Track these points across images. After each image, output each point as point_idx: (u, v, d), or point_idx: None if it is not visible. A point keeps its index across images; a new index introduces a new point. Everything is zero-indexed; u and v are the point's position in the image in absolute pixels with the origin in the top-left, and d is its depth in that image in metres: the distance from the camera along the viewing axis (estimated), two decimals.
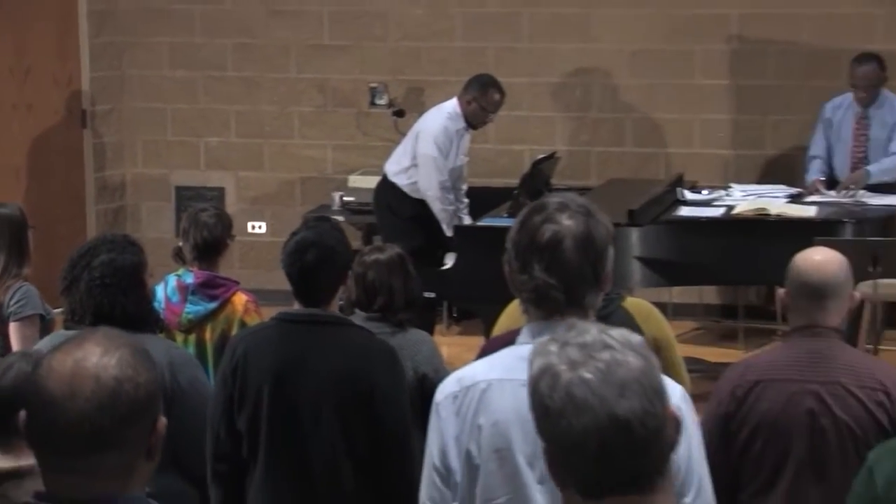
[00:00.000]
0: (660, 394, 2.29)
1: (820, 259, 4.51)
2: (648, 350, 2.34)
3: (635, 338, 2.34)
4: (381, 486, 4.56)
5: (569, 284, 3.29)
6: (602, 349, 2.29)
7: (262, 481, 4.61)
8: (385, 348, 4.68)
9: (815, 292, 4.44)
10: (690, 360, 6.82)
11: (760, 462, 4.39)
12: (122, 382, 2.41)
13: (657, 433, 2.27)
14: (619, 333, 2.33)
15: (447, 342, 9.09)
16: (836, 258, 4.52)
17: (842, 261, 4.51)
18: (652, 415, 2.26)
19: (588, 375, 2.27)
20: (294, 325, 4.68)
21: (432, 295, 8.47)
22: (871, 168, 9.23)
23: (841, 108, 9.54)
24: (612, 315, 4.54)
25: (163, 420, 2.54)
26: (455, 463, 3.33)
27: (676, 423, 2.33)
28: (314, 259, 4.61)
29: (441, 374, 4.84)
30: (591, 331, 2.33)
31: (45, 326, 5.98)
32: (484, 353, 3.70)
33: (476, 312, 9.14)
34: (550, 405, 2.27)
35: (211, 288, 5.95)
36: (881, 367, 4.52)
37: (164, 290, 5.92)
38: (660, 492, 2.30)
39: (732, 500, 4.37)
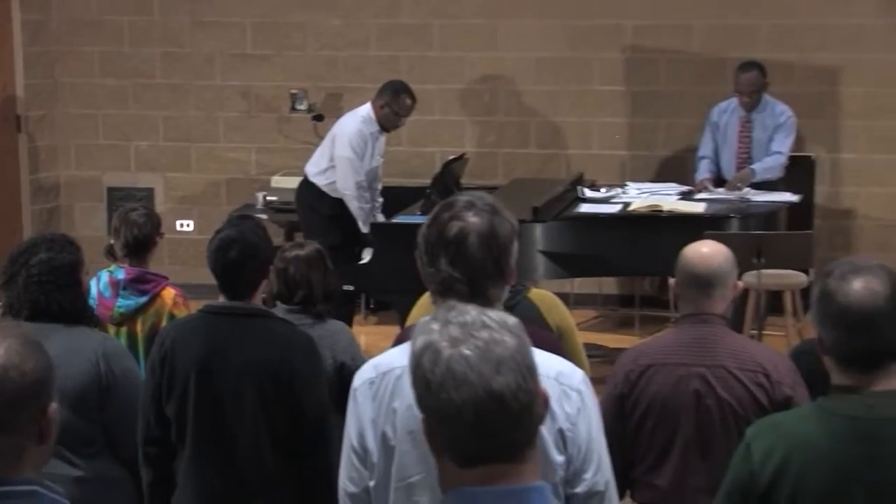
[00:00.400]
0: (532, 371, 2.30)
1: (706, 251, 4.55)
2: (523, 331, 2.35)
3: (511, 319, 2.36)
4: (301, 468, 4.55)
5: (472, 277, 3.29)
6: (481, 328, 2.30)
7: (189, 464, 4.58)
8: (304, 338, 4.68)
9: (702, 282, 4.48)
10: (591, 347, 6.87)
11: (652, 439, 4.43)
12: (8, 370, 2.39)
13: (529, 407, 2.28)
14: (496, 314, 2.35)
15: (365, 331, 9.09)
16: (721, 250, 4.56)
17: (726, 253, 4.56)
18: (524, 390, 2.27)
19: (467, 352, 2.27)
20: (218, 316, 4.66)
21: (351, 288, 8.47)
22: (756, 167, 9.34)
23: (726, 112, 9.64)
24: (518, 306, 4.56)
25: (53, 406, 2.50)
26: (372, 444, 3.32)
27: (545, 400, 2.34)
28: (237, 255, 4.58)
29: (358, 361, 4.83)
30: (471, 311, 2.34)
31: None
32: (399, 341, 3.68)
33: (391, 303, 9.12)
34: (432, 379, 2.28)
35: (141, 283, 5.90)
36: (762, 351, 4.58)
37: (97, 286, 5.86)
38: (529, 461, 2.31)
39: (627, 475, 4.41)
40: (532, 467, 2.33)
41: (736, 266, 4.57)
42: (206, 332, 4.63)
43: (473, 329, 2.31)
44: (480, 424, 2.26)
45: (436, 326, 2.33)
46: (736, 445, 4.24)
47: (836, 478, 3.17)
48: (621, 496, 3.80)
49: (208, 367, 4.53)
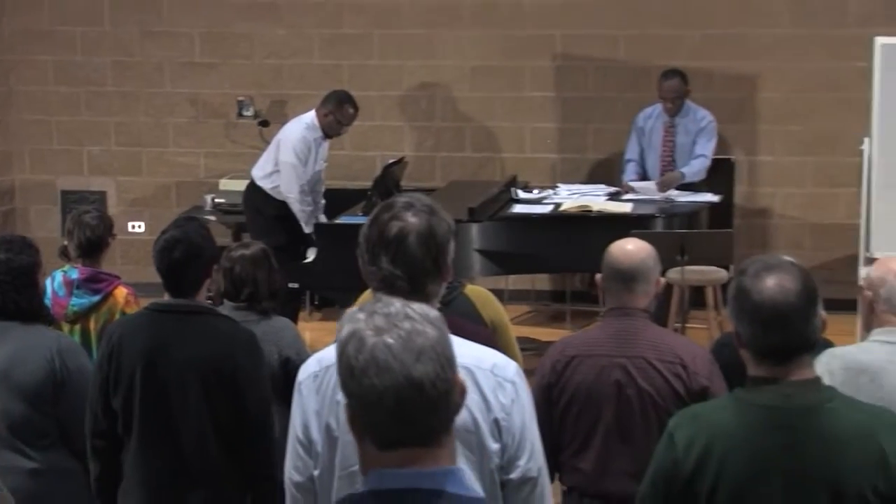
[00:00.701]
0: (451, 361, 2.32)
1: (630, 248, 4.57)
2: (444, 323, 2.36)
3: (433, 312, 2.37)
4: (244, 459, 4.53)
5: (412, 275, 3.30)
6: (404, 319, 2.31)
7: (135, 455, 4.55)
8: (246, 334, 4.65)
9: (625, 277, 4.50)
10: (524, 340, 6.90)
11: (576, 426, 4.45)
12: None
13: (446, 395, 2.29)
14: (419, 307, 2.36)
15: (309, 327, 9.08)
16: (644, 247, 4.58)
17: (649, 249, 4.58)
18: (443, 379, 2.28)
19: (390, 341, 2.28)
20: (163, 314, 4.64)
21: (296, 285, 8.47)
22: (685, 171, 9.39)
23: (651, 117, 9.69)
24: (455, 301, 4.57)
25: None
26: (316, 435, 3.32)
27: (462, 390, 2.35)
28: (181, 255, 4.56)
29: (303, 356, 4.82)
30: (396, 303, 2.35)
31: None
32: None
33: (335, 300, 9.15)
34: (356, 365, 2.28)
35: (94, 282, 5.86)
36: (681, 342, 4.61)
37: (52, 285, 5.81)
38: (445, 446, 2.33)
39: (555, 459, 4.42)
40: (448, 452, 2.34)
41: (659, 262, 4.59)
42: (151, 328, 4.60)
43: (397, 320, 2.31)
44: (400, 410, 2.27)
45: (362, 316, 2.33)
46: (654, 434, 4.27)
47: (755, 465, 3.19)
48: (550, 480, 3.83)
49: (153, 361, 4.50)
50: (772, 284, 3.20)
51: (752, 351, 3.27)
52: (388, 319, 2.32)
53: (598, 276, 4.59)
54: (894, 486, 3.16)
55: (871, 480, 3.15)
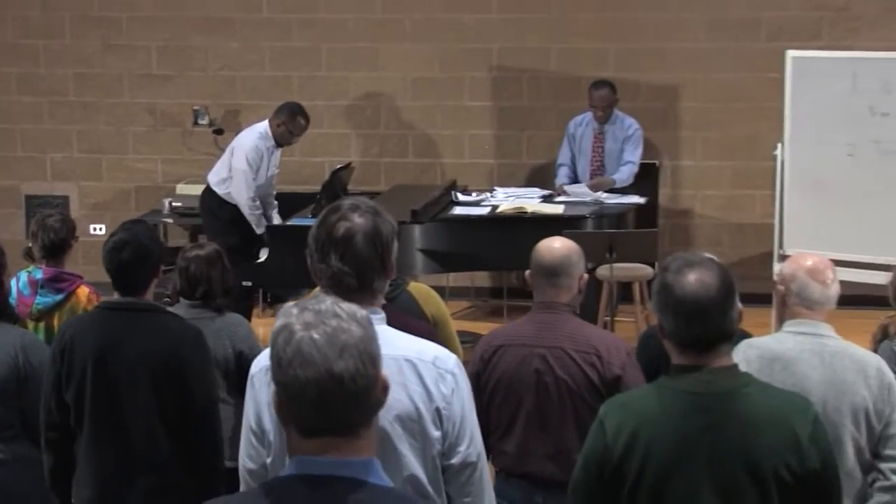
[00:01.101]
0: (373, 359, 2.32)
1: (555, 246, 4.59)
2: (370, 323, 2.36)
3: (361, 312, 2.37)
4: (191, 448, 4.50)
5: (359, 271, 3.30)
6: (332, 317, 2.31)
7: (87, 446, 4.52)
8: (193, 331, 4.61)
9: (549, 272, 4.52)
10: (464, 334, 6.89)
11: (501, 411, 4.46)
12: None
13: (366, 391, 2.30)
14: (348, 307, 2.36)
15: (262, 323, 9.03)
16: (569, 245, 4.60)
17: (573, 247, 4.60)
18: (363, 375, 2.29)
19: (316, 336, 2.29)
20: (113, 312, 4.60)
21: (249, 283, 8.44)
22: (616, 177, 9.42)
23: (582, 125, 9.72)
24: (398, 298, 4.58)
25: None
26: (269, 425, 3.30)
27: (384, 386, 2.36)
28: (129, 256, 4.54)
29: (255, 350, 4.81)
30: (327, 301, 2.35)
31: None
32: None
33: (286, 297, 9.11)
34: (283, 356, 2.29)
35: (58, 282, 5.82)
36: (598, 334, 4.62)
37: (17, 285, 5.77)
38: (364, 439, 2.33)
39: (486, 443, 4.44)
40: (367, 444, 2.34)
41: (583, 259, 4.61)
42: (101, 326, 4.56)
43: (325, 317, 2.32)
44: (321, 401, 2.28)
45: (295, 311, 2.34)
46: (571, 418, 4.33)
47: (679, 447, 3.20)
48: None
49: (103, 357, 4.46)
50: (692, 280, 3.23)
51: (674, 342, 3.29)
52: (317, 316, 2.32)
53: (527, 272, 4.60)
54: (806, 466, 3.18)
55: (784, 460, 3.18)
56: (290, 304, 2.39)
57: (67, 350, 4.51)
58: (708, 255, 3.38)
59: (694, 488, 3.20)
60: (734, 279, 3.30)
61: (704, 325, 3.23)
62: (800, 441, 3.19)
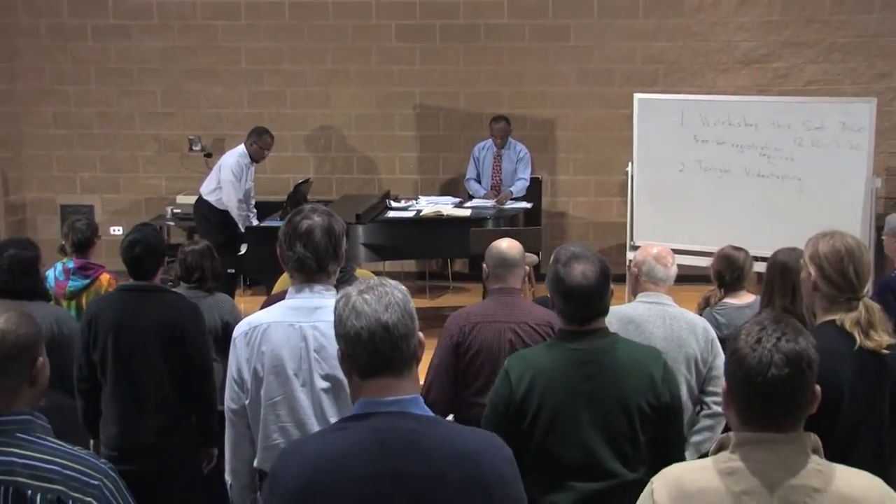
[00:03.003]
0: (412, 315, 2.33)
1: (507, 245, 4.53)
2: (408, 293, 2.37)
3: (402, 287, 2.38)
4: (190, 393, 4.48)
5: (318, 257, 3.31)
6: (380, 286, 2.33)
7: (110, 395, 4.49)
8: (190, 305, 4.59)
9: (508, 264, 4.47)
10: None
11: (479, 372, 4.32)
12: (6, 333, 2.33)
13: (407, 338, 2.29)
14: (391, 283, 2.37)
15: (243, 300, 8.97)
16: (516, 244, 4.54)
17: (520, 246, 4.56)
18: (405, 325, 2.29)
19: (368, 297, 2.30)
20: (129, 292, 4.58)
21: (233, 271, 8.39)
22: (514, 189, 9.44)
23: (484, 149, 9.72)
24: (347, 280, 4.50)
25: (41, 359, 2.42)
26: (247, 376, 3.33)
27: (421, 342, 2.34)
28: (141, 251, 4.55)
29: (238, 320, 4.78)
30: (374, 281, 2.37)
31: None
32: (265, 305, 3.68)
33: (261, 281, 9.05)
34: (343, 314, 2.30)
35: (85, 270, 5.76)
36: (545, 312, 4.50)
37: (54, 272, 5.73)
38: (407, 380, 2.31)
39: (455, 398, 4.33)
40: (410, 385, 2.32)
41: (524, 254, 4.54)
42: (120, 303, 4.54)
43: (374, 286, 2.33)
44: (372, 344, 2.26)
45: (352, 289, 2.35)
46: None
47: (567, 390, 3.21)
48: (444, 415, 3.81)
49: (122, 327, 4.44)
50: (578, 273, 3.26)
51: (563, 316, 3.32)
52: (368, 287, 2.34)
53: (485, 265, 4.48)
54: (660, 400, 3.23)
55: (645, 397, 3.21)
56: (352, 286, 2.40)
57: (94, 322, 4.49)
58: (588, 249, 3.38)
59: (578, 421, 3.20)
60: (609, 268, 3.33)
61: (587, 307, 3.26)
62: (655, 382, 3.23)
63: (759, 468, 2.19)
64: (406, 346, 2.28)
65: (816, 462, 2.21)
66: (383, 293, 2.30)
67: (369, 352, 2.26)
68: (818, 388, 2.26)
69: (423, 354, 2.34)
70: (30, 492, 2.24)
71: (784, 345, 2.21)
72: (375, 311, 2.27)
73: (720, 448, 2.27)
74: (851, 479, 2.21)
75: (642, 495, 2.31)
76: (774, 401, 2.19)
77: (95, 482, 2.31)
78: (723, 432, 2.35)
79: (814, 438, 2.24)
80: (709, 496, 2.19)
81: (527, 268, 4.54)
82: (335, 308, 2.33)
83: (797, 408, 2.22)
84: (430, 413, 2.32)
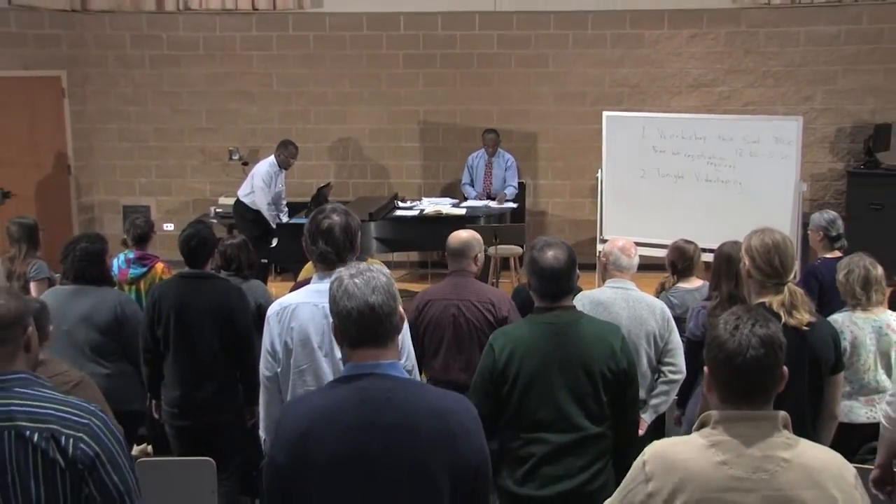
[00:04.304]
0: (394, 296, 2.32)
1: (455, 237, 4.54)
2: (391, 277, 2.36)
3: (385, 270, 2.38)
4: (237, 362, 4.49)
5: (337, 250, 3.32)
6: (367, 271, 2.33)
7: (171, 364, 4.51)
8: (236, 289, 4.61)
9: (454, 253, 4.50)
10: (403, 291, 6.89)
11: (431, 341, 4.41)
12: None
13: (389, 316, 2.29)
14: (377, 267, 2.37)
15: (274, 285, 8.96)
16: (470, 233, 4.57)
17: (475, 234, 4.57)
18: (388, 304, 2.29)
19: (357, 280, 2.29)
20: (186, 279, 4.59)
21: (265, 260, 8.39)
22: (507, 192, 9.44)
23: (477, 157, 9.72)
24: None
25: (31, 328, 2.40)
26: (279, 348, 3.32)
27: (402, 317, 2.35)
28: (195, 244, 4.55)
29: (269, 302, 4.79)
30: (363, 265, 2.37)
31: (51, 284, 5.70)
32: (293, 289, 3.68)
33: (289, 269, 9.06)
34: (337, 295, 2.30)
35: (143, 260, 5.76)
36: (492, 291, 4.60)
37: (118, 262, 5.73)
38: (389, 349, 2.31)
39: (420, 363, 4.39)
40: (392, 353, 2.32)
41: (480, 242, 4.56)
42: (178, 287, 4.55)
43: (363, 271, 2.33)
44: (360, 322, 2.27)
45: (344, 272, 2.34)
46: (476, 345, 4.30)
47: (541, 358, 3.22)
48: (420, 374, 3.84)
49: (180, 307, 4.46)
50: (550, 256, 3.25)
51: (537, 294, 3.32)
52: (358, 271, 2.33)
53: (446, 252, 4.56)
54: (619, 366, 3.23)
55: (606, 363, 3.22)
56: (340, 270, 2.39)
57: (157, 303, 4.50)
58: (559, 238, 3.39)
59: (550, 384, 3.21)
60: (576, 255, 3.32)
61: (557, 285, 3.26)
62: (615, 352, 3.24)
63: (738, 441, 2.15)
64: (389, 322, 2.29)
65: (786, 436, 2.18)
66: (370, 277, 2.30)
67: (357, 327, 2.27)
68: (785, 369, 2.21)
69: (402, 327, 2.36)
70: (27, 432, 2.21)
71: (759, 330, 2.17)
72: (364, 293, 2.27)
73: (702, 425, 2.23)
74: (815, 451, 2.19)
75: (634, 465, 2.26)
76: (752, 379, 2.16)
77: (85, 421, 2.26)
78: (701, 412, 2.31)
79: (783, 415, 2.20)
80: (692, 465, 2.16)
81: (478, 254, 4.51)
82: (330, 289, 2.33)
83: (770, 385, 2.19)
84: (407, 376, 2.34)
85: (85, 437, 2.23)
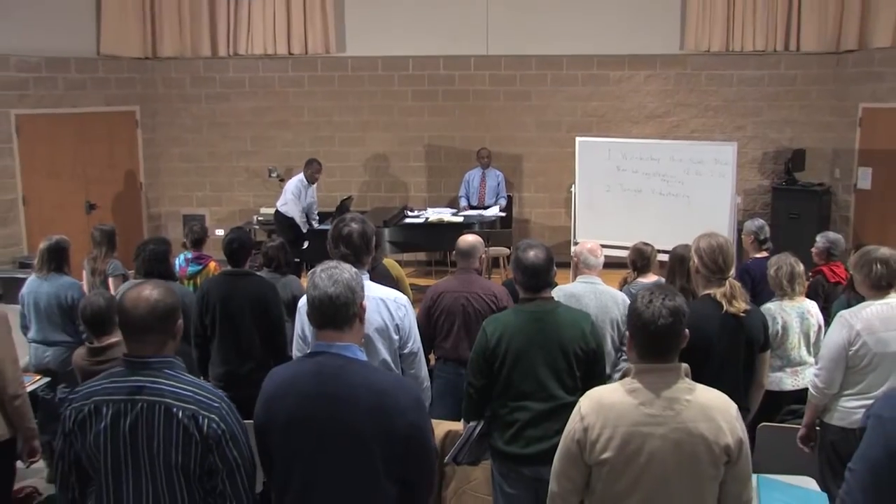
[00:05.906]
0: (353, 289, 2.29)
1: (464, 240, 4.53)
2: (357, 274, 2.33)
3: (351, 268, 2.35)
4: (272, 344, 4.47)
5: (355, 253, 3.30)
6: (334, 268, 2.32)
7: (217, 346, 4.49)
8: (272, 285, 4.58)
9: (463, 253, 4.50)
10: (413, 286, 6.86)
11: (442, 326, 4.40)
12: (158, 301, 2.32)
13: (347, 306, 2.27)
14: (345, 266, 2.34)
15: (306, 281, 8.91)
16: (476, 238, 4.57)
17: (479, 238, 4.57)
18: (345, 296, 2.27)
19: (323, 275, 2.30)
20: (229, 276, 4.57)
21: (298, 259, 8.36)
22: (501, 203, 9.41)
23: (473, 174, 9.67)
24: (377, 267, 4.53)
25: (180, 321, 2.43)
26: (307, 332, 3.31)
27: (363, 307, 2.33)
28: (237, 246, 4.54)
29: (302, 293, 4.79)
30: (333, 263, 2.36)
31: (125, 279, 5.69)
32: None
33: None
34: (308, 286, 2.34)
35: (200, 259, 5.78)
36: (493, 285, 4.59)
37: (179, 261, 5.72)
38: (347, 334, 2.30)
39: (431, 345, 4.38)
40: (350, 337, 2.30)
41: (483, 245, 4.57)
42: (224, 283, 4.53)
43: (331, 267, 2.33)
44: (322, 308, 2.27)
45: (318, 268, 2.35)
46: (481, 328, 4.29)
47: (525, 340, 3.20)
48: (426, 356, 3.82)
49: (225, 300, 4.44)
50: (531, 256, 3.26)
51: (522, 287, 3.32)
52: (327, 266, 2.33)
53: (454, 252, 4.54)
54: (589, 346, 3.23)
55: (578, 344, 3.22)
56: (318, 266, 2.38)
57: (206, 296, 4.48)
58: (539, 241, 3.38)
59: (532, 361, 3.21)
60: (553, 254, 3.31)
61: (537, 280, 3.27)
62: (585, 334, 3.24)
63: (651, 387, 2.29)
64: (346, 311, 2.27)
65: (687, 382, 2.31)
66: (334, 273, 2.29)
67: (319, 313, 2.28)
68: (687, 331, 2.34)
69: (363, 315, 2.33)
70: (175, 409, 2.26)
71: (668, 302, 2.30)
72: (325, 285, 2.27)
73: (624, 375, 2.37)
74: (708, 393, 2.32)
75: (574, 410, 2.39)
76: (663, 341, 2.29)
77: (216, 404, 2.31)
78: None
79: (685, 367, 2.33)
80: (618, 406, 2.29)
81: (482, 255, 4.51)
82: (308, 278, 2.36)
83: (675, 345, 2.32)
84: (361, 358, 2.31)
85: (216, 418, 2.28)
